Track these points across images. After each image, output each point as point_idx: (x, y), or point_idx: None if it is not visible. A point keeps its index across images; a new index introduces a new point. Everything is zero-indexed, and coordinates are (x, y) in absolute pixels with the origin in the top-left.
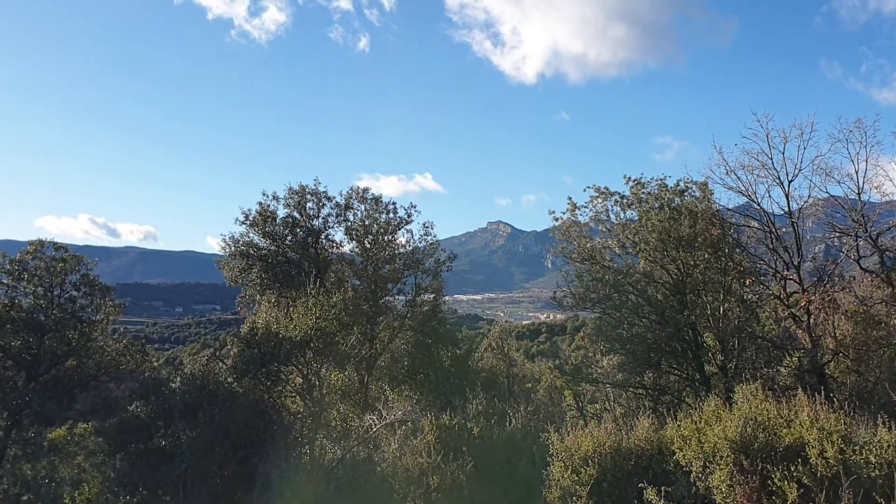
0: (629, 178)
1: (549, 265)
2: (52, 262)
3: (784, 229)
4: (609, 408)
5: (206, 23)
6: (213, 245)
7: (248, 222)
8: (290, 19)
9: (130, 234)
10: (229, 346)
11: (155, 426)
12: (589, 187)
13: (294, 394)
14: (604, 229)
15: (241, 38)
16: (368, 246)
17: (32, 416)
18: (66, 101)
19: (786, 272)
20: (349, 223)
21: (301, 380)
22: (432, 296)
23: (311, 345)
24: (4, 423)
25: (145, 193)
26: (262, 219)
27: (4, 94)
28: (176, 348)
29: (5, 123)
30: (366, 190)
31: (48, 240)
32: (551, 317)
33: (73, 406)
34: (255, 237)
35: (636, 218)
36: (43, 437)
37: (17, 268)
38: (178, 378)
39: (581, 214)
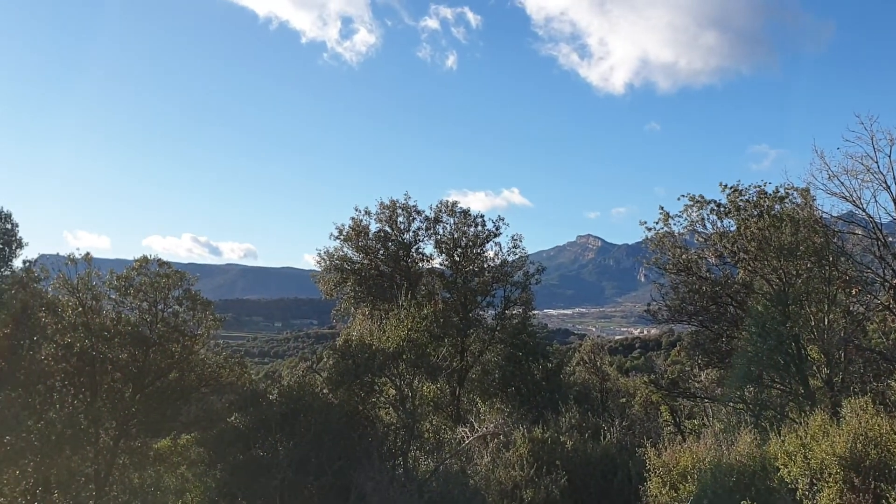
0: (725, 186)
1: (642, 279)
2: (156, 277)
3: (892, 238)
4: (708, 423)
5: (300, 47)
6: (310, 261)
7: (341, 237)
8: (379, 40)
9: (232, 252)
10: (325, 359)
11: (253, 437)
12: (683, 196)
13: (387, 405)
14: (699, 239)
15: (333, 61)
16: (458, 259)
17: (139, 426)
18: (168, 127)
19: (894, 281)
20: (439, 236)
21: (394, 391)
22: (522, 308)
23: (404, 356)
24: (114, 432)
25: (245, 213)
26: (355, 233)
27: (112, 123)
28: (275, 362)
29: (116, 150)
30: (454, 203)
31: (152, 257)
32: (645, 332)
33: (176, 417)
34: (349, 251)
35: (734, 227)
36: (149, 447)
37: (123, 284)
38: (276, 390)
39: (675, 224)
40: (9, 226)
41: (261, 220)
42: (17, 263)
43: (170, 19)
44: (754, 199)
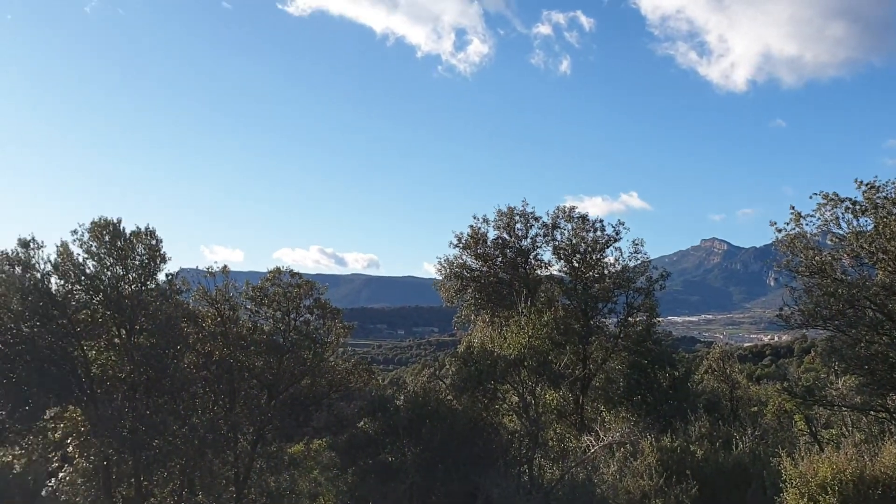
0: (861, 182)
1: (772, 283)
2: (288, 288)
3: None
4: (847, 433)
5: (416, 60)
6: (430, 270)
7: (460, 245)
8: (492, 50)
9: (356, 262)
10: (448, 366)
11: (382, 442)
12: (815, 194)
13: (511, 412)
14: (833, 239)
15: (448, 73)
16: (577, 265)
17: (274, 431)
18: (295, 143)
19: None
20: (557, 242)
21: (517, 398)
22: (645, 315)
23: (526, 363)
24: (252, 437)
25: (369, 224)
26: (474, 241)
27: (243, 141)
28: (399, 369)
29: (248, 167)
30: (572, 209)
31: (285, 268)
32: (776, 338)
33: (308, 423)
34: (468, 259)
35: (871, 225)
36: (284, 451)
37: (258, 294)
38: (402, 396)
39: (807, 224)
40: (153, 242)
41: (383, 230)
42: (161, 277)
43: (292, 38)
44: (893, 195)
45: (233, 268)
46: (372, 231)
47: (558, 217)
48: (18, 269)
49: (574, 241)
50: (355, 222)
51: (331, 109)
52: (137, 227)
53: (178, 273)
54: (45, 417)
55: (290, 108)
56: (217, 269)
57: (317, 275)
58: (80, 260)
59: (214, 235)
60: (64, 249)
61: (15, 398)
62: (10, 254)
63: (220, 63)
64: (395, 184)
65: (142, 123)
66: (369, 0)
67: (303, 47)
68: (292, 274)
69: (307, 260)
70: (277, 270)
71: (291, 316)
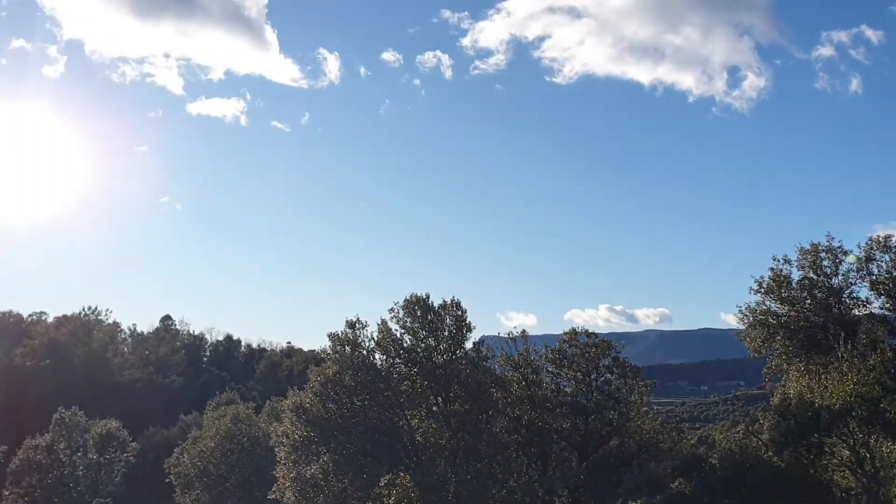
0: None
1: None
2: (585, 348)
3: None
4: None
5: (688, 106)
6: (728, 320)
7: (762, 290)
8: (769, 82)
9: (647, 318)
10: (761, 421)
11: (700, 503)
12: None
13: (842, 467)
14: None
15: (723, 112)
16: None
17: (588, 493)
18: (573, 206)
19: None
20: (874, 277)
21: (847, 452)
22: None
23: (854, 413)
24: (567, 500)
25: (656, 278)
26: (777, 284)
27: (523, 216)
28: (706, 426)
29: (534, 238)
30: (888, 237)
31: (579, 329)
32: None
33: (620, 484)
34: (772, 304)
35: None
36: None
37: (557, 356)
38: (717, 454)
39: None
40: (459, 312)
41: (673, 283)
42: (468, 345)
43: (561, 106)
44: None
45: (528, 332)
46: (661, 285)
47: (872, 248)
48: (348, 349)
49: (895, 274)
50: (642, 277)
51: (603, 167)
52: (444, 300)
53: (481, 340)
54: (380, 485)
55: (564, 173)
56: (517, 335)
57: (609, 333)
58: (398, 335)
59: (509, 302)
60: (384, 327)
61: (354, 467)
62: (340, 335)
63: (497, 140)
64: (681, 234)
65: (430, 206)
66: (634, 56)
67: (572, 113)
68: (588, 334)
69: (597, 319)
70: (573, 332)
71: (592, 376)
